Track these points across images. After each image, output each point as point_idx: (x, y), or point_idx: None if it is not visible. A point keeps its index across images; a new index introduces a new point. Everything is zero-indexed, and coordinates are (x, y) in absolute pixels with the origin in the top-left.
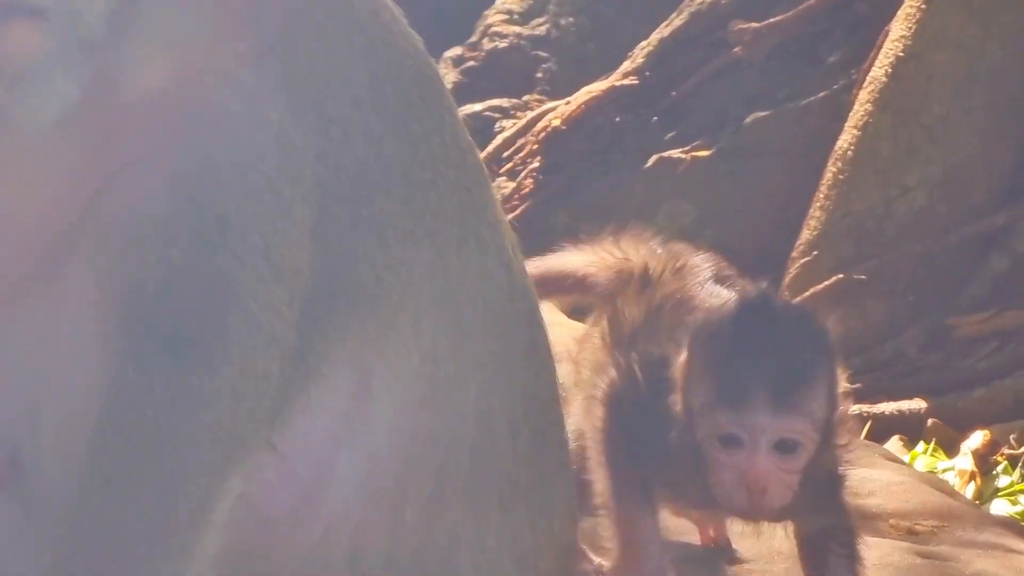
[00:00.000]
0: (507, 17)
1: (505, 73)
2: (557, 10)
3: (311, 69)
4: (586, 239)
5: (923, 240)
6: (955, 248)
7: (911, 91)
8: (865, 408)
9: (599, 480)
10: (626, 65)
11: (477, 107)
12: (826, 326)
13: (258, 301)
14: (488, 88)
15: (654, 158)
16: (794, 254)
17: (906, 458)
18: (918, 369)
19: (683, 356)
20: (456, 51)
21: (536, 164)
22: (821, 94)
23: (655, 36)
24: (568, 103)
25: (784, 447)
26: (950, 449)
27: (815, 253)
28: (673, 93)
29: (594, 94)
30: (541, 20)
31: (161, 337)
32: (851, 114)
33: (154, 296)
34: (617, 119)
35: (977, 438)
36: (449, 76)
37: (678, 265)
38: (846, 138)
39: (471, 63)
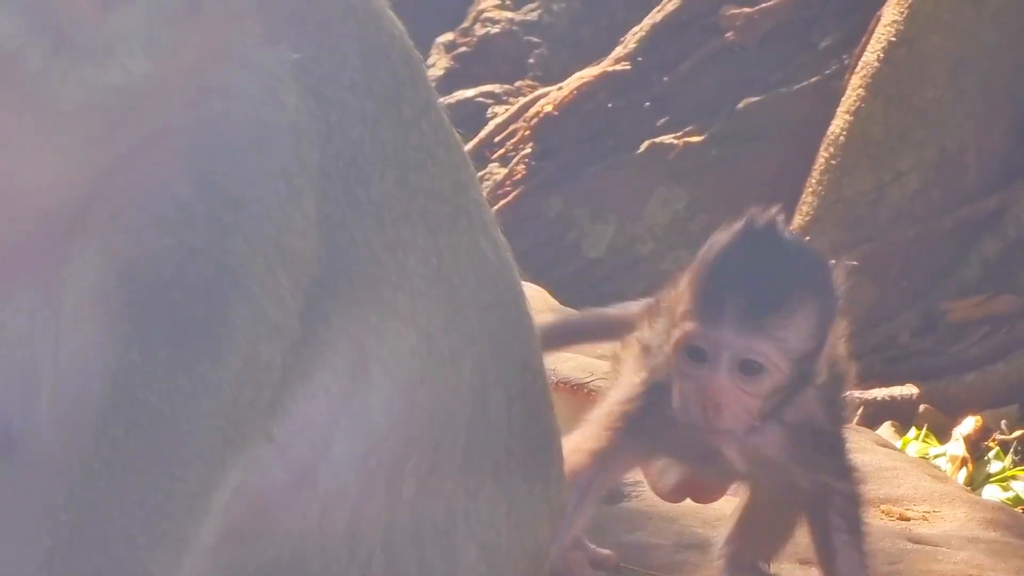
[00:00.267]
0: (499, 2)
1: (497, 59)
2: None
3: (315, 53)
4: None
5: (916, 225)
6: (948, 232)
7: (903, 76)
8: (857, 393)
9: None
10: (618, 51)
11: (469, 93)
12: (830, 269)
13: (265, 289)
14: (480, 74)
15: (646, 144)
16: None
17: (898, 444)
18: (910, 354)
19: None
20: (448, 37)
21: (528, 150)
22: (813, 79)
23: (647, 21)
24: (560, 89)
25: (747, 368)
26: (942, 435)
27: (807, 238)
28: (665, 79)
29: (586, 80)
30: (533, 6)
31: (169, 322)
32: (843, 99)
33: (165, 279)
34: (609, 105)
35: (969, 424)
36: (441, 62)
37: None
38: (838, 123)
39: (463, 49)
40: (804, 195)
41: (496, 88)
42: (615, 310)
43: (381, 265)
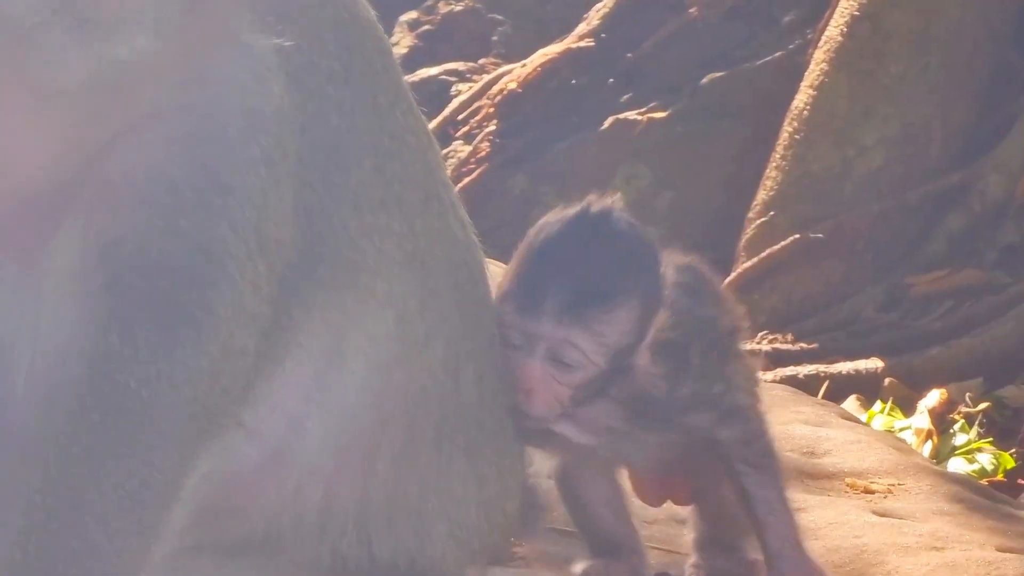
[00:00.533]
0: None
1: (461, 36)
2: None
3: (296, 41)
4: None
5: (880, 199)
6: (912, 207)
7: (867, 51)
8: (822, 368)
9: None
10: (582, 27)
11: (433, 71)
12: (659, 262)
13: (245, 276)
14: (444, 52)
15: (610, 120)
16: (751, 214)
17: (863, 417)
18: (875, 328)
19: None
20: (411, 15)
21: (492, 128)
22: (777, 54)
23: None
24: (524, 66)
25: (558, 360)
26: (907, 408)
27: (772, 213)
28: (629, 55)
29: (550, 56)
30: None
31: (150, 305)
32: (807, 74)
33: (150, 261)
34: (573, 81)
35: (934, 397)
36: (404, 40)
37: None
38: (802, 98)
39: (426, 27)
40: (768, 170)
41: (460, 66)
42: None
43: (359, 250)
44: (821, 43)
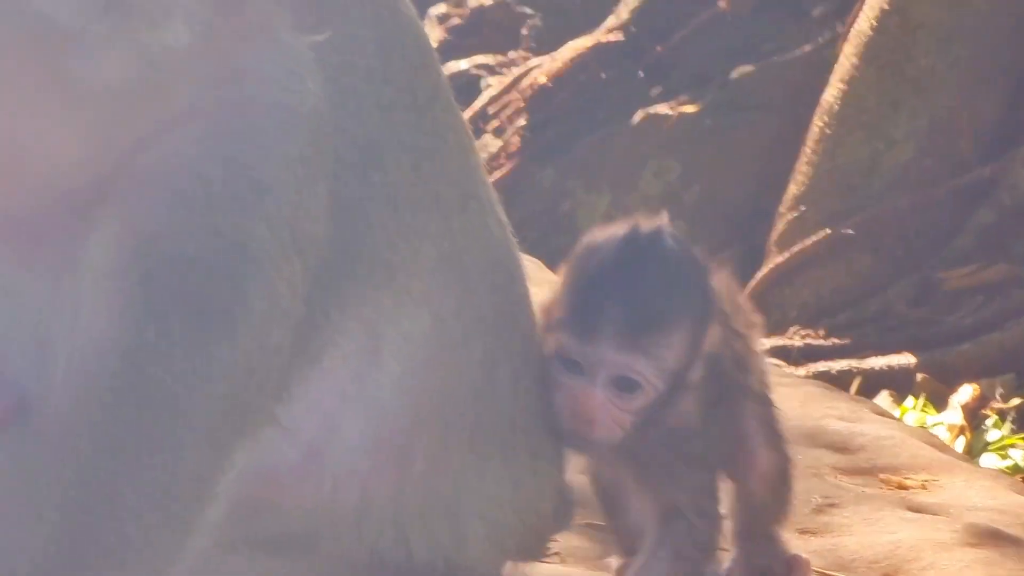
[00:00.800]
0: None
1: (490, 30)
2: None
3: (334, 40)
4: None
5: (910, 193)
6: (942, 201)
7: (896, 44)
8: (854, 363)
9: None
10: (611, 20)
11: (462, 64)
12: (710, 281)
13: (280, 273)
14: (473, 45)
15: (640, 114)
16: (781, 209)
17: (896, 413)
18: (906, 323)
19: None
20: (441, 8)
21: (522, 121)
22: (806, 48)
23: None
24: (553, 60)
25: (622, 385)
26: (939, 403)
27: (802, 208)
28: (659, 48)
29: (579, 50)
30: None
31: (186, 301)
32: (836, 68)
33: (186, 258)
34: (603, 75)
35: (966, 392)
36: (434, 34)
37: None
38: (832, 92)
39: (456, 20)
40: (798, 164)
41: (489, 60)
42: None
43: (396, 249)
44: (850, 37)
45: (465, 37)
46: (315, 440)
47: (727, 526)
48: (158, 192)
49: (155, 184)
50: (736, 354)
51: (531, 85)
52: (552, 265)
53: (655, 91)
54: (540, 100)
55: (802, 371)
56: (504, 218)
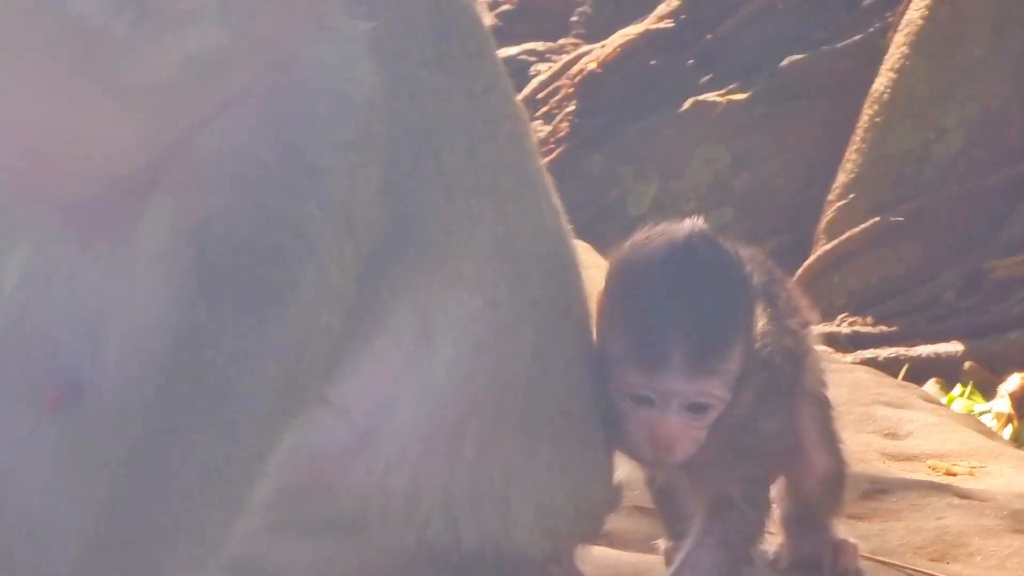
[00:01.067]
0: None
1: (540, 16)
2: None
3: (390, 27)
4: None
5: (960, 183)
6: (992, 191)
7: (947, 34)
8: (902, 351)
9: None
10: (661, 8)
11: (512, 51)
12: (748, 274)
13: (332, 256)
14: (523, 32)
15: (689, 101)
16: (830, 197)
17: (943, 401)
18: (954, 312)
19: (601, 292)
20: None
21: (572, 108)
22: (857, 37)
23: None
24: (603, 46)
25: (696, 408)
26: (987, 392)
27: (851, 196)
28: (708, 36)
29: (629, 37)
30: None
31: (238, 284)
32: (887, 57)
33: (239, 240)
34: (652, 62)
35: (1014, 381)
36: (484, 20)
37: None
38: (882, 81)
39: (506, 6)
40: (848, 153)
41: (539, 46)
42: None
43: (450, 235)
44: (901, 26)
45: (515, 23)
46: (368, 423)
47: (776, 512)
48: (212, 176)
49: (209, 168)
50: (788, 350)
51: (581, 72)
52: (600, 251)
53: (704, 79)
54: (589, 87)
55: (849, 358)
56: (559, 206)
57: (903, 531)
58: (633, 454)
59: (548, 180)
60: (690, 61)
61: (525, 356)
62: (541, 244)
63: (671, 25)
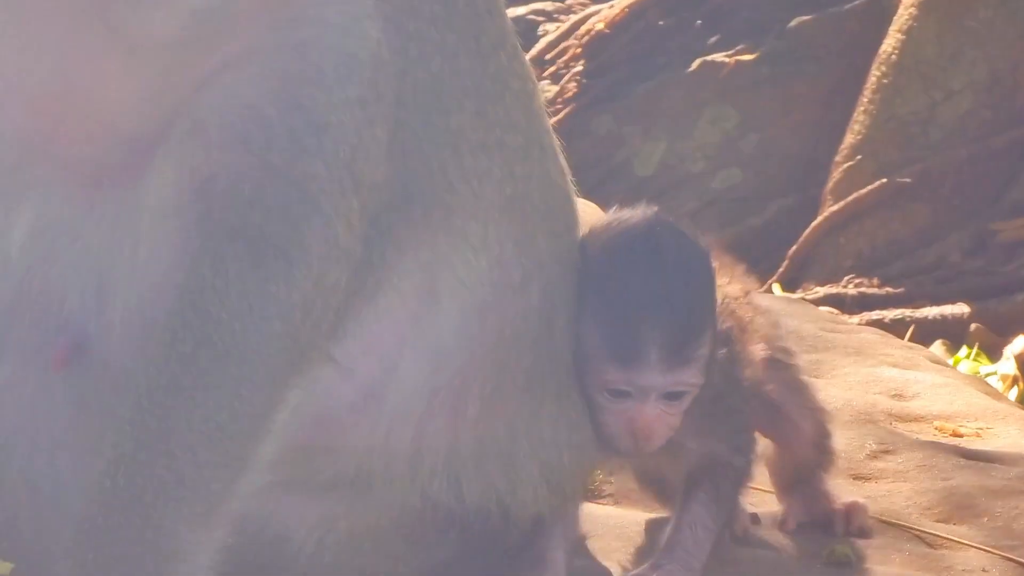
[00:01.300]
0: None
1: None
2: None
3: None
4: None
5: (967, 144)
6: (999, 152)
7: None
8: (908, 312)
9: None
10: None
11: (520, 10)
12: (708, 253)
13: (337, 212)
14: None
15: (697, 62)
16: (838, 158)
17: (949, 363)
18: (961, 274)
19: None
20: None
21: (579, 68)
22: None
23: None
24: (611, 6)
25: (672, 396)
26: (992, 353)
27: (859, 157)
28: None
29: None
30: None
31: (244, 240)
32: (895, 18)
33: (244, 197)
34: (660, 23)
35: (1020, 343)
36: None
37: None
38: (890, 42)
39: None
40: (856, 114)
41: (547, 6)
42: None
43: (456, 194)
44: None
45: None
46: (373, 381)
47: (774, 480)
48: (217, 133)
49: (214, 126)
50: (740, 320)
51: (588, 32)
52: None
53: (712, 40)
54: (597, 47)
55: (855, 319)
56: (566, 166)
57: (910, 492)
58: (611, 444)
59: (555, 139)
60: (698, 22)
61: (531, 315)
62: (547, 203)
63: None
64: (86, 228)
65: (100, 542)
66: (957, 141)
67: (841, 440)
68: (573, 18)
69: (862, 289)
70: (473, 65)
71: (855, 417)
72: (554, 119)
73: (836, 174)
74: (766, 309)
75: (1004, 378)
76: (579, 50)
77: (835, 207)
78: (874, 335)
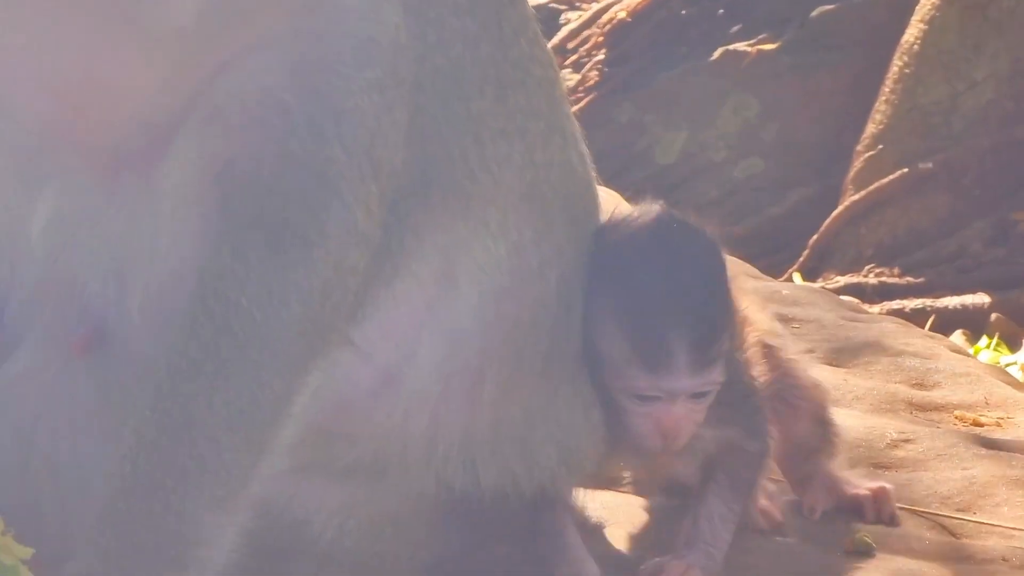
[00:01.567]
0: None
1: None
2: None
3: None
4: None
5: (989, 135)
6: (1021, 143)
7: None
8: (929, 302)
9: None
10: None
11: None
12: (719, 247)
13: (357, 197)
14: None
15: (719, 51)
16: (859, 148)
17: (969, 352)
18: (982, 264)
19: (588, 288)
20: None
21: (601, 56)
22: None
23: None
24: None
25: (699, 396)
26: (1013, 343)
27: (880, 147)
28: None
29: None
30: None
31: (263, 227)
32: (918, 7)
33: (263, 183)
34: (683, 12)
35: None
36: None
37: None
38: (913, 32)
39: None
40: (878, 104)
41: None
42: None
43: (476, 180)
44: None
45: None
46: (390, 366)
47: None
48: (235, 119)
49: (232, 112)
50: (737, 306)
51: (611, 20)
52: (629, 200)
53: (734, 29)
54: (619, 35)
55: (876, 309)
56: (587, 153)
57: (930, 481)
58: (638, 445)
59: (576, 126)
60: (720, 11)
61: (548, 300)
62: (568, 190)
63: None
64: (106, 215)
65: (121, 528)
66: (979, 131)
67: (861, 429)
68: (595, 6)
69: (883, 279)
70: (494, 51)
71: (875, 406)
72: (575, 107)
73: (857, 163)
74: (752, 290)
75: None
76: (601, 39)
77: (856, 196)
78: (895, 324)
